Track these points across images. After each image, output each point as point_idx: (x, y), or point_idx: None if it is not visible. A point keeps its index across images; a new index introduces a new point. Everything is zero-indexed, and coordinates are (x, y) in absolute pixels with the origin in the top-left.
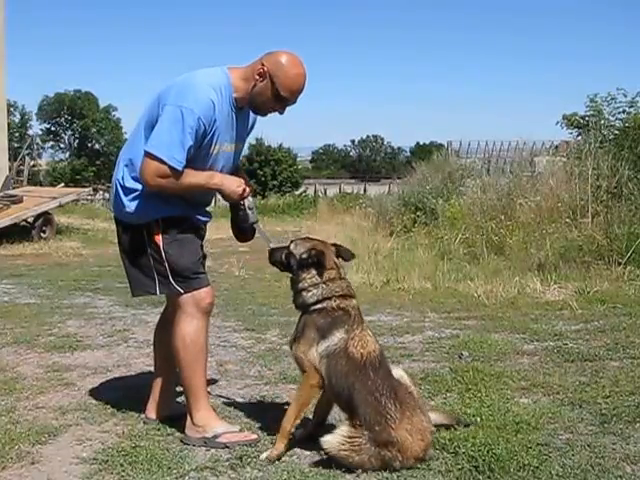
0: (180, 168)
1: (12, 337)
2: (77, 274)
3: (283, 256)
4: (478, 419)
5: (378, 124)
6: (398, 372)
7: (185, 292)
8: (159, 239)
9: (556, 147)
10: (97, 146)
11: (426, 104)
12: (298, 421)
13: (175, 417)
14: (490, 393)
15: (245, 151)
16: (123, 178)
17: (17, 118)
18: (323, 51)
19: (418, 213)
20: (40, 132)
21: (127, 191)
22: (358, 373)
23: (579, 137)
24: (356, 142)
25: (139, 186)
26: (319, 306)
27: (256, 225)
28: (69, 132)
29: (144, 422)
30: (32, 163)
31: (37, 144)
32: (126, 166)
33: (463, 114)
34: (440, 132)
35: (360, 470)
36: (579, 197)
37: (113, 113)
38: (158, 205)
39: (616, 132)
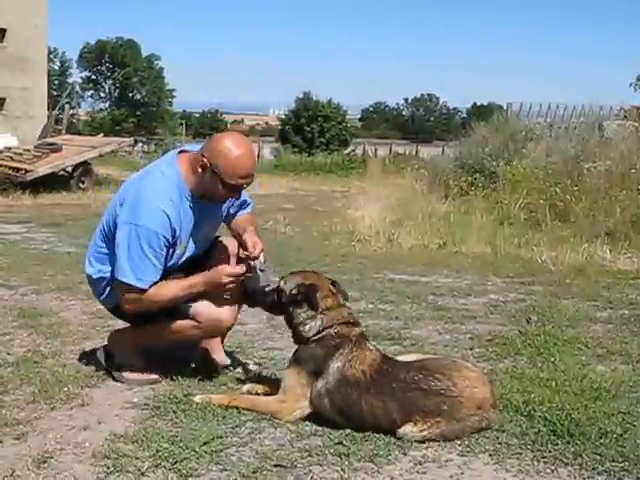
0: (147, 287)
1: (54, 284)
2: None
3: (275, 297)
4: (553, 383)
5: (432, 84)
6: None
7: None
8: None
9: (625, 112)
10: (138, 96)
11: (485, 66)
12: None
13: (224, 366)
14: (564, 358)
15: (291, 105)
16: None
17: (57, 65)
18: (382, 12)
19: (476, 176)
20: (80, 80)
21: (94, 281)
22: (376, 388)
23: None
24: (409, 101)
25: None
26: (318, 337)
27: (269, 287)
28: (110, 81)
29: (195, 371)
30: (71, 112)
31: (77, 92)
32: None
33: (524, 78)
34: (498, 95)
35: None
36: None
37: (156, 62)
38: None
39: None
